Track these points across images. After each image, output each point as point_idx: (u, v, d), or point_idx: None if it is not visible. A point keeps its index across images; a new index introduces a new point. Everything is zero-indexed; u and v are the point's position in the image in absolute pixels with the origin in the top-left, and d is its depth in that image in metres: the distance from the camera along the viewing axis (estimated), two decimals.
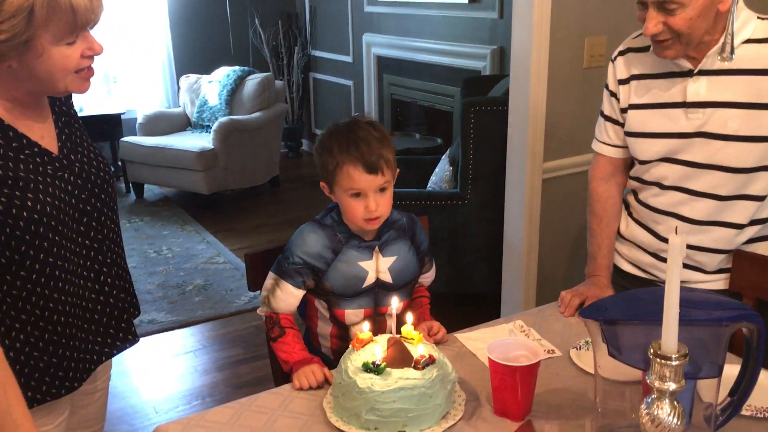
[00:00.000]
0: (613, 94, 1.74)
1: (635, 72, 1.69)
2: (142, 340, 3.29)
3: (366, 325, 1.43)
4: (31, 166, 1.27)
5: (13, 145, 1.26)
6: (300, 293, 1.60)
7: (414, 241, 1.68)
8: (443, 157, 3.73)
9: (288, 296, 1.59)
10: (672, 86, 1.63)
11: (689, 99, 1.59)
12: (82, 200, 1.38)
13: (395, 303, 1.42)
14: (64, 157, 1.36)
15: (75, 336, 1.38)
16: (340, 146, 1.52)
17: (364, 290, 1.60)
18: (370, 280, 1.60)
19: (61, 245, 1.32)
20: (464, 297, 3.58)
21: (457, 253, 3.39)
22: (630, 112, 1.70)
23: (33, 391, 1.32)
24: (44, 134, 1.34)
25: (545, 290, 3.04)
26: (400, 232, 1.65)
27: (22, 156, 1.26)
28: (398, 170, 1.59)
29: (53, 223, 1.29)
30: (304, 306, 1.69)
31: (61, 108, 1.42)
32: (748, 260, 1.68)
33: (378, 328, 1.62)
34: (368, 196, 1.52)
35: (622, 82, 1.71)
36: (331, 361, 1.62)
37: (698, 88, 1.58)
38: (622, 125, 1.74)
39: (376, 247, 1.61)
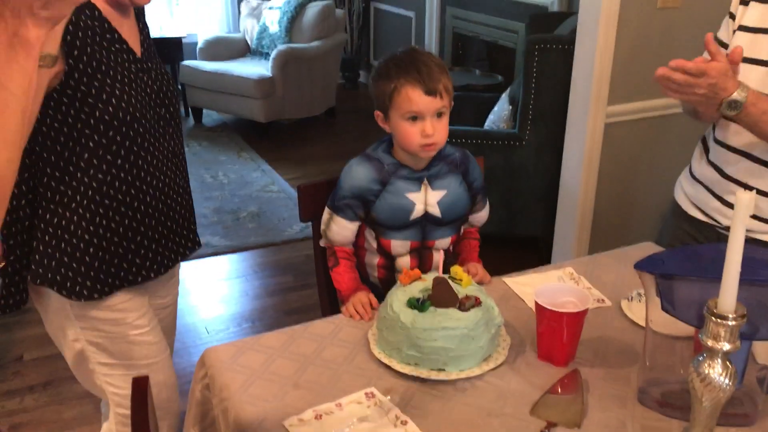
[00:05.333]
0: (732, 16, 1.65)
1: None
2: (196, 262, 3.45)
3: (407, 260, 1.42)
4: (119, 59, 1.35)
5: (107, 36, 1.33)
6: (354, 225, 1.62)
7: (466, 177, 1.65)
8: (503, 95, 3.64)
9: (342, 229, 1.61)
10: None
11: None
12: (158, 104, 1.45)
13: (440, 252, 1.40)
14: (146, 60, 1.43)
15: (154, 228, 1.47)
16: (399, 69, 1.50)
17: (411, 223, 1.59)
18: (417, 212, 1.58)
19: (145, 138, 1.40)
20: (516, 239, 3.54)
21: (512, 194, 3.34)
22: (737, 33, 1.61)
23: (112, 277, 1.41)
24: (131, 36, 1.40)
25: (599, 238, 2.98)
26: (451, 167, 1.62)
27: (113, 48, 1.34)
28: (452, 103, 1.56)
29: (138, 115, 1.36)
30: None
31: (141, 20, 1.48)
32: None
33: (424, 262, 1.62)
34: (425, 119, 1.49)
35: (743, 2, 1.63)
36: (380, 290, 1.63)
37: None
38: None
39: (425, 179, 1.59)
